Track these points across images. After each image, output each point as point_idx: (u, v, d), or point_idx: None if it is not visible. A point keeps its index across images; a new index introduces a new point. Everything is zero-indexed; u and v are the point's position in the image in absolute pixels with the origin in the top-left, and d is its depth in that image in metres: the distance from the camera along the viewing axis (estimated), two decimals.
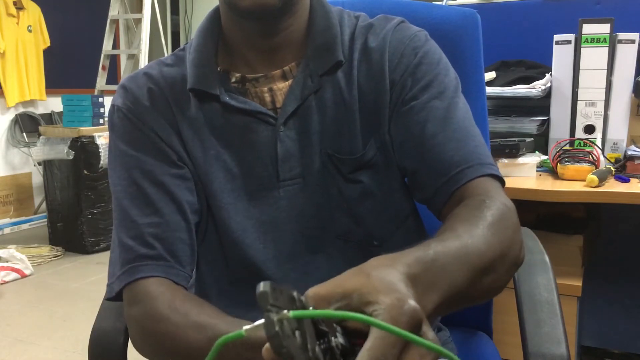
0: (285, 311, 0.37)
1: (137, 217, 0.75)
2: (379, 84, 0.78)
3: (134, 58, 4.29)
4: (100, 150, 3.49)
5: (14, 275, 3.14)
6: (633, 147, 1.50)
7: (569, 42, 1.55)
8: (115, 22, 4.26)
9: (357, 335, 0.42)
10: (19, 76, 4.38)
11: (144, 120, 0.78)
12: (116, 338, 0.83)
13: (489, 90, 1.54)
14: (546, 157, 1.52)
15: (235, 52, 0.80)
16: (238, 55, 0.80)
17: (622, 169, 1.46)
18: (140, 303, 0.72)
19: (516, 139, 1.49)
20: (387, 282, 0.44)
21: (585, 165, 1.39)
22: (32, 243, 3.75)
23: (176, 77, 0.80)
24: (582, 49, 1.52)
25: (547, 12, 1.81)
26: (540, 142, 1.62)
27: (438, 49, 0.81)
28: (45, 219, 3.85)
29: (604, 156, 1.48)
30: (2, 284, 3.06)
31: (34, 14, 4.43)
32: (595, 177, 1.30)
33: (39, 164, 3.99)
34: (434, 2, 1.14)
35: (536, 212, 1.55)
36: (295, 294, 0.40)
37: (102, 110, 3.62)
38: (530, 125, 1.57)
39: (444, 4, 1.72)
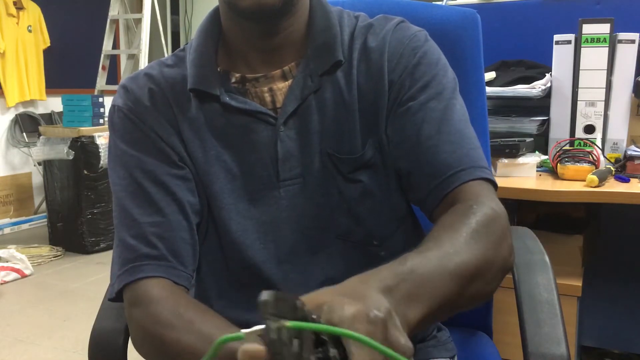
0: (283, 320, 0.39)
1: (138, 216, 0.75)
2: (377, 84, 0.78)
3: (134, 58, 4.28)
4: (100, 150, 3.48)
5: (14, 275, 3.14)
6: (633, 147, 1.50)
7: (569, 42, 1.54)
8: (115, 22, 4.26)
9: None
10: (19, 76, 4.38)
11: (145, 120, 0.78)
12: (116, 338, 0.82)
13: (489, 90, 1.54)
14: (546, 157, 1.52)
15: (235, 52, 0.80)
16: (238, 55, 0.80)
17: (622, 169, 1.46)
18: (142, 305, 0.72)
19: (516, 139, 1.49)
20: (355, 294, 0.46)
21: (585, 165, 1.39)
22: (32, 243, 3.75)
23: (176, 78, 0.80)
24: (582, 49, 1.52)
25: (547, 12, 1.81)
26: (540, 142, 1.62)
27: (437, 49, 0.81)
28: (45, 219, 3.85)
29: (604, 156, 1.48)
30: (2, 284, 3.06)
31: (34, 14, 4.43)
32: (595, 177, 1.30)
33: (39, 164, 3.98)
34: (434, 2, 1.14)
35: (536, 212, 1.55)
36: (298, 302, 0.42)
37: (102, 110, 3.62)
38: (530, 125, 1.57)
39: (444, 4, 1.73)
